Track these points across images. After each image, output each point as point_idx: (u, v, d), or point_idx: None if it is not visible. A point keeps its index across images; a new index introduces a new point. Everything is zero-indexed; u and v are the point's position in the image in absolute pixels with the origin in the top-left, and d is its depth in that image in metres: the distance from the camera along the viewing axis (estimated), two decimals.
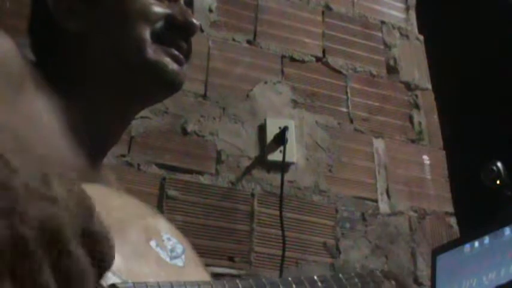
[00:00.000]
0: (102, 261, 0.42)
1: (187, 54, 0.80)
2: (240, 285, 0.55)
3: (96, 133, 0.75)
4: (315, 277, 0.62)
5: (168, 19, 0.77)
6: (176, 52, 0.77)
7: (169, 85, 0.77)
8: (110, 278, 0.47)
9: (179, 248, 0.59)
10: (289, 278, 0.60)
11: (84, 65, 0.76)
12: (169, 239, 0.59)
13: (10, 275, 0.36)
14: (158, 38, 0.75)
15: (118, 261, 0.51)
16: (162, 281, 0.51)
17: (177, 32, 0.78)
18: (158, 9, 0.77)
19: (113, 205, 0.58)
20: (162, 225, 0.62)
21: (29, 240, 0.37)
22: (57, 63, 0.77)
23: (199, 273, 0.61)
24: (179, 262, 0.58)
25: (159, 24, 0.76)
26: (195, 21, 0.79)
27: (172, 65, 0.76)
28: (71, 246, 0.39)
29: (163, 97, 0.83)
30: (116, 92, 0.76)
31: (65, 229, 0.39)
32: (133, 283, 0.48)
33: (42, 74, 0.72)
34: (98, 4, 0.77)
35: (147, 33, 0.75)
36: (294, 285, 0.60)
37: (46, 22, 0.78)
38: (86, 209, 0.42)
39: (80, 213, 0.41)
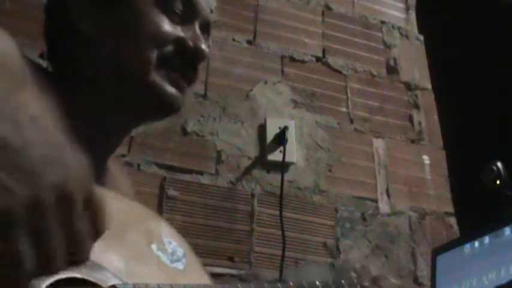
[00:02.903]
0: (97, 226, 0.45)
1: (192, 80, 0.80)
2: None
3: (97, 136, 0.75)
4: (317, 282, 0.62)
5: (179, 44, 0.77)
6: (178, 77, 0.77)
7: (165, 108, 0.78)
8: (110, 279, 0.47)
9: (180, 252, 0.59)
10: (291, 283, 0.60)
11: (89, 69, 0.76)
12: (170, 243, 0.59)
13: (26, 234, 0.39)
14: (164, 63, 0.75)
15: (118, 263, 0.51)
16: (162, 283, 0.51)
17: (185, 58, 0.77)
18: (170, 30, 0.76)
19: (114, 209, 0.59)
20: (163, 229, 0.62)
21: (46, 202, 0.40)
22: (67, 62, 0.78)
23: (199, 276, 0.61)
24: (180, 265, 0.58)
25: (168, 48, 0.76)
26: (204, 48, 0.79)
27: (171, 89, 0.76)
28: (78, 209, 0.42)
29: (159, 118, 0.83)
30: (115, 103, 0.77)
31: (77, 194, 0.42)
32: (134, 284, 0.48)
33: (46, 74, 0.72)
34: (113, 12, 0.77)
35: (154, 56, 0.74)
36: None
37: (62, 19, 0.78)
38: (89, 178, 0.45)
39: (85, 182, 0.44)
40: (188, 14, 0.79)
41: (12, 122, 0.42)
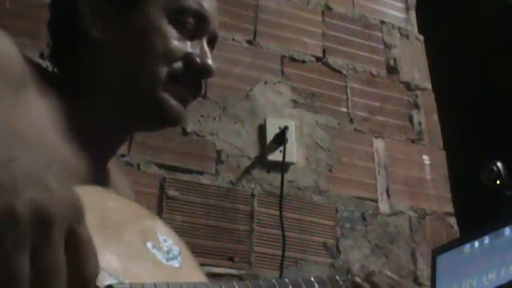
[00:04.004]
0: (81, 268, 0.41)
1: (196, 95, 0.82)
2: (236, 287, 0.55)
3: (98, 140, 0.75)
4: (312, 278, 0.62)
5: (187, 60, 0.78)
6: (184, 92, 0.78)
7: (168, 121, 0.79)
8: (106, 278, 0.47)
9: (176, 250, 0.59)
10: (286, 279, 0.60)
11: (96, 74, 0.77)
12: (165, 241, 0.59)
13: None
14: (173, 78, 0.76)
15: (114, 262, 0.51)
16: (158, 282, 0.51)
17: (192, 73, 0.78)
18: (180, 46, 0.77)
19: (110, 207, 0.59)
20: (159, 227, 0.62)
21: (20, 216, 0.37)
22: (72, 64, 0.78)
23: (195, 274, 0.61)
24: (175, 263, 0.58)
25: (178, 65, 0.77)
26: (212, 65, 0.80)
27: (176, 103, 0.77)
28: (54, 237, 0.39)
29: (160, 129, 0.85)
30: (118, 112, 0.77)
31: (55, 219, 0.39)
32: (130, 284, 0.48)
33: (47, 76, 0.72)
34: (125, 20, 0.77)
35: (163, 72, 0.75)
36: (290, 287, 0.60)
37: (71, 21, 0.78)
38: (76, 210, 0.42)
39: (69, 212, 0.41)
40: (199, 30, 0.80)
41: (1, 136, 0.41)
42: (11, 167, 0.39)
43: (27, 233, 0.38)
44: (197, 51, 0.79)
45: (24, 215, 0.37)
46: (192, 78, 0.79)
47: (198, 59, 0.78)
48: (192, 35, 0.79)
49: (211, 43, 0.84)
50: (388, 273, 0.74)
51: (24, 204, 0.38)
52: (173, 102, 0.76)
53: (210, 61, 0.80)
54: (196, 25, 0.80)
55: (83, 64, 0.77)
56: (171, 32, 0.77)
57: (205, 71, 0.79)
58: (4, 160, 0.39)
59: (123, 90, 0.76)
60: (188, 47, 0.78)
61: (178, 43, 0.77)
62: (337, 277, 0.65)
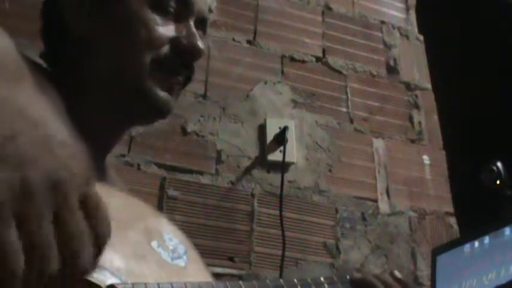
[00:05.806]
0: (98, 229, 0.42)
1: (188, 79, 0.81)
2: (242, 286, 0.55)
3: (94, 136, 0.75)
4: (322, 278, 0.62)
5: (174, 43, 0.76)
6: (172, 81, 0.77)
7: (155, 113, 0.78)
8: (108, 278, 0.47)
9: (181, 249, 0.59)
10: (295, 280, 0.60)
11: (85, 72, 0.76)
12: (171, 240, 0.59)
13: (12, 220, 0.37)
14: (160, 65, 0.75)
15: (118, 262, 0.51)
16: (162, 281, 0.51)
17: (180, 56, 0.77)
18: (164, 32, 0.76)
19: (115, 205, 0.58)
20: (164, 226, 0.61)
21: (36, 188, 0.38)
22: (64, 64, 0.78)
23: (201, 273, 0.61)
24: (181, 262, 0.58)
25: (164, 50, 0.75)
26: (200, 45, 0.78)
27: (163, 94, 0.76)
28: (72, 201, 0.40)
29: (150, 122, 0.84)
30: (107, 105, 0.77)
31: (69, 184, 0.40)
32: (133, 284, 0.48)
33: (45, 73, 0.73)
34: (105, 14, 0.76)
35: (148, 61, 0.74)
36: (299, 287, 0.60)
37: (57, 21, 0.78)
38: (85, 175, 0.42)
39: (79, 177, 0.41)
40: (182, 12, 0.79)
41: (3, 113, 0.41)
42: (15, 142, 0.39)
43: (45, 202, 0.38)
44: (184, 33, 0.77)
45: (39, 186, 0.38)
46: (181, 61, 0.77)
47: (185, 41, 0.77)
48: (176, 18, 0.78)
49: (201, 24, 0.82)
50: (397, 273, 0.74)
51: (36, 176, 0.38)
52: (160, 92, 0.75)
53: (197, 41, 0.78)
54: (179, 8, 0.78)
55: (73, 63, 0.78)
56: (155, 18, 0.75)
57: (193, 52, 0.78)
58: (8, 136, 0.39)
59: (110, 84, 0.75)
60: (173, 31, 0.77)
61: (162, 29, 0.76)
62: (348, 277, 0.64)
